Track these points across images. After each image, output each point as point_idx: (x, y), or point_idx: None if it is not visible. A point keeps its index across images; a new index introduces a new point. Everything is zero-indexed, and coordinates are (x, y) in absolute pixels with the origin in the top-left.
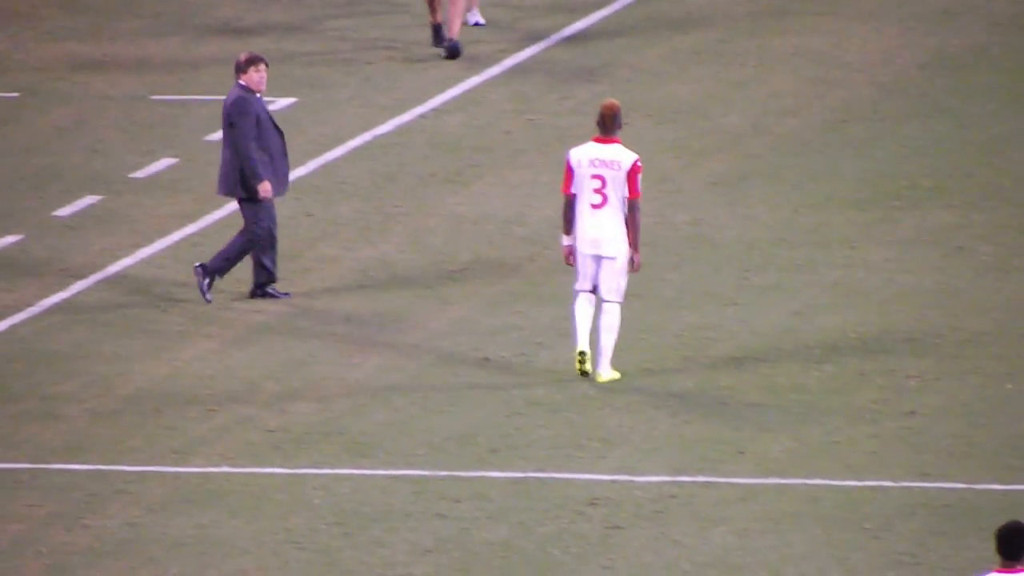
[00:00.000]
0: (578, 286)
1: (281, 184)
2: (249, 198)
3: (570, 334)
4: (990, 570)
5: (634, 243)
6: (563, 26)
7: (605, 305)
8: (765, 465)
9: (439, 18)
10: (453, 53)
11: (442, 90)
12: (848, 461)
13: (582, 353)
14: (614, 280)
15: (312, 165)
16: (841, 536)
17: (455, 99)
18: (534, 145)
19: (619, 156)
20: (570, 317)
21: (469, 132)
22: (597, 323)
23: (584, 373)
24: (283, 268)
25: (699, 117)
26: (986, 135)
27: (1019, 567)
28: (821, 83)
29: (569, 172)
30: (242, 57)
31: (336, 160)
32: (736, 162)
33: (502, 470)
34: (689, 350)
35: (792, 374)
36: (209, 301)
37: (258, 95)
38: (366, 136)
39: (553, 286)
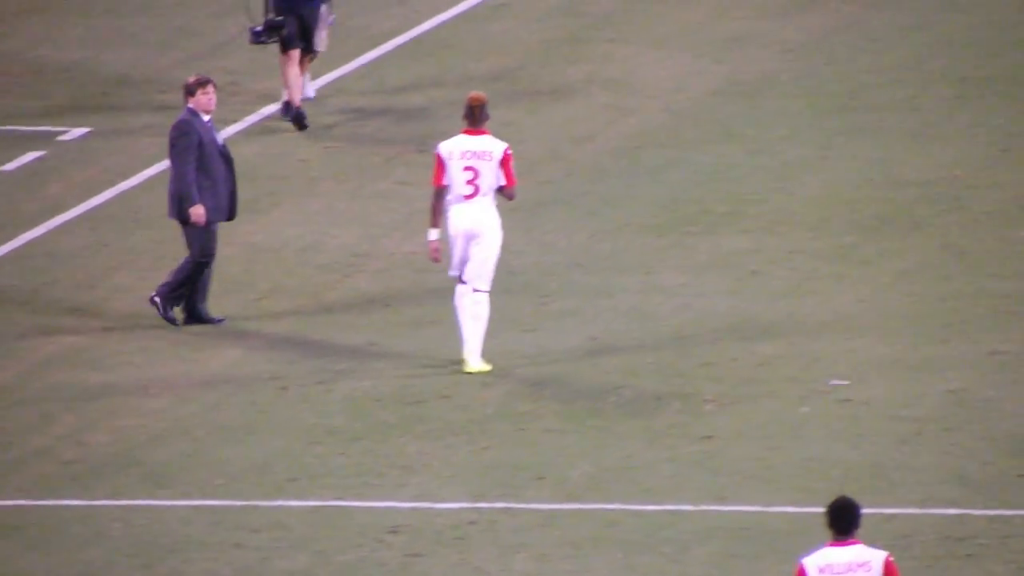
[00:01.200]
0: (453, 271)
1: (223, 210)
2: (184, 221)
3: (373, 358)
4: (823, 545)
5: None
6: (357, 55)
7: (474, 295)
8: (564, 490)
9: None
10: (298, 122)
11: (238, 118)
12: (646, 485)
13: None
14: (483, 266)
15: (107, 194)
16: (640, 560)
17: (251, 127)
18: (330, 173)
19: (489, 146)
20: (454, 312)
21: (265, 161)
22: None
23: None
24: (78, 298)
25: None
26: (777, 160)
27: (849, 540)
28: (615, 110)
29: (440, 164)
30: (191, 80)
31: (132, 189)
32: (532, 189)
33: (301, 499)
34: (487, 376)
35: (590, 399)
36: (176, 324)
37: (207, 120)
38: (161, 165)
39: (352, 314)
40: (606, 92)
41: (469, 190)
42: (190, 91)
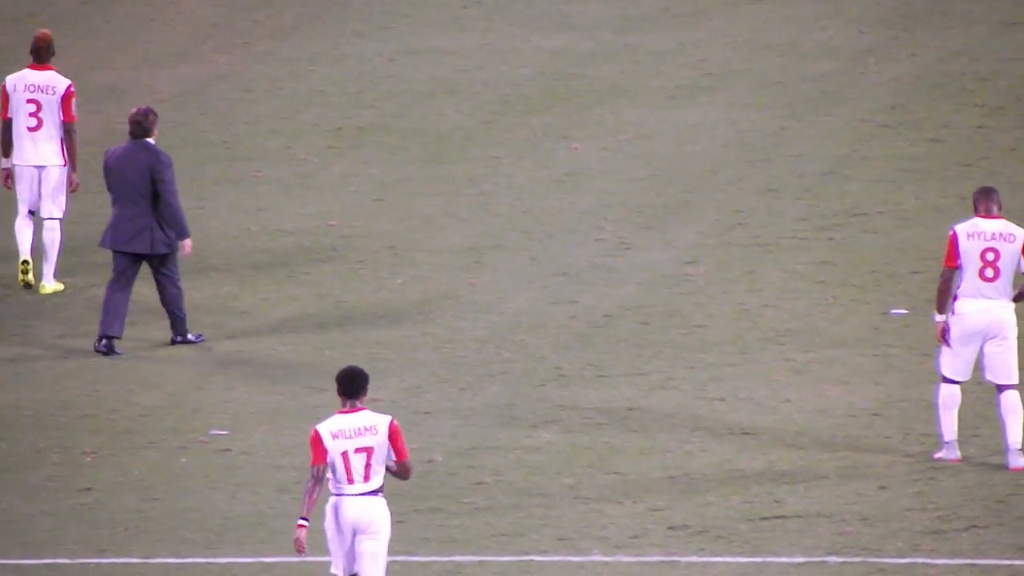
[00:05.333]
0: (22, 205)
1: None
2: (166, 253)
3: None
4: (334, 414)
5: (72, 164)
6: None
7: (46, 222)
8: None
9: None
10: None
11: None
12: (25, 539)
13: (25, 262)
14: (53, 196)
15: None
16: None
17: None
18: None
19: (52, 81)
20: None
21: None
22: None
23: (27, 284)
24: None
25: None
26: None
27: (357, 407)
28: None
29: (5, 97)
30: (152, 113)
31: None
32: None
33: None
34: None
35: None
36: (201, 339)
37: None
38: None
39: None
40: None
41: (33, 123)
42: (153, 124)
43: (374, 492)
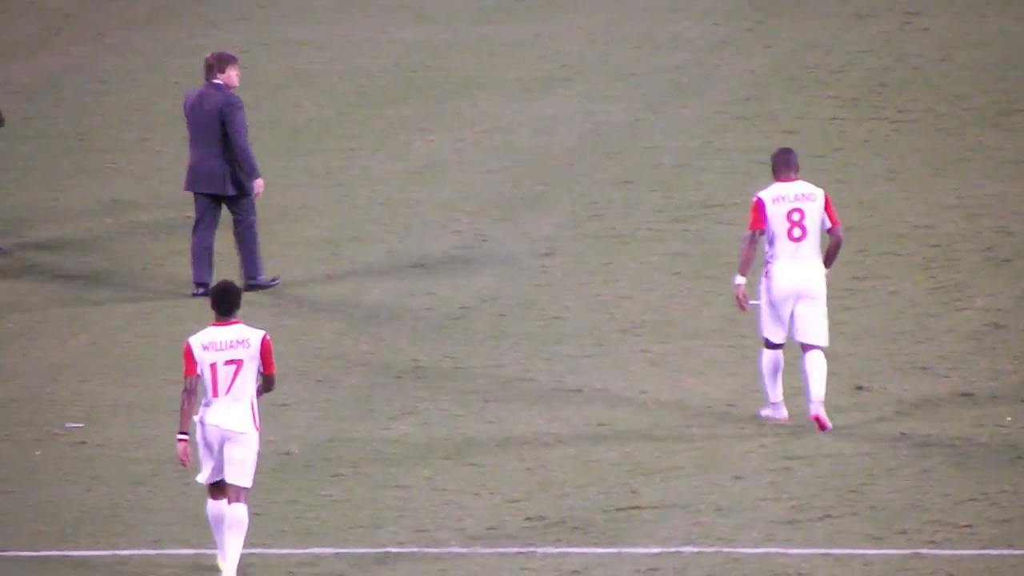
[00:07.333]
0: None
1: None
2: (239, 194)
3: None
4: (207, 326)
5: None
6: None
7: None
8: None
9: None
10: None
11: None
12: None
13: None
14: None
15: None
16: None
17: None
18: None
19: None
20: None
21: None
22: None
23: None
24: None
25: None
26: (7, 203)
27: (231, 320)
28: None
29: None
30: (220, 56)
31: None
32: None
33: None
34: None
35: None
36: (276, 282)
37: None
38: None
39: None
40: None
41: None
42: (220, 68)
43: (239, 404)
